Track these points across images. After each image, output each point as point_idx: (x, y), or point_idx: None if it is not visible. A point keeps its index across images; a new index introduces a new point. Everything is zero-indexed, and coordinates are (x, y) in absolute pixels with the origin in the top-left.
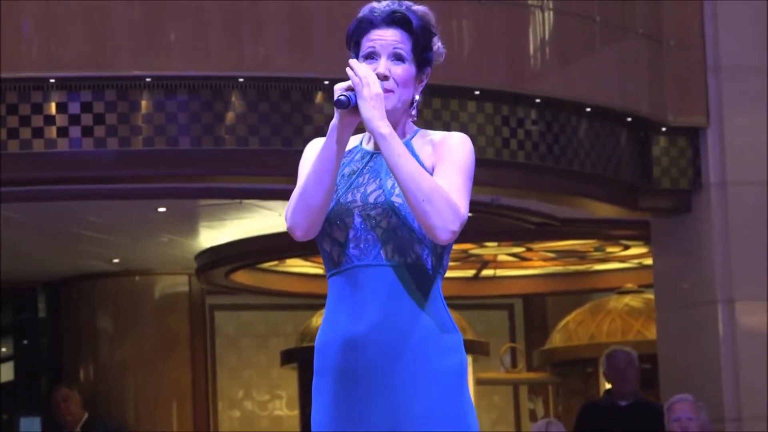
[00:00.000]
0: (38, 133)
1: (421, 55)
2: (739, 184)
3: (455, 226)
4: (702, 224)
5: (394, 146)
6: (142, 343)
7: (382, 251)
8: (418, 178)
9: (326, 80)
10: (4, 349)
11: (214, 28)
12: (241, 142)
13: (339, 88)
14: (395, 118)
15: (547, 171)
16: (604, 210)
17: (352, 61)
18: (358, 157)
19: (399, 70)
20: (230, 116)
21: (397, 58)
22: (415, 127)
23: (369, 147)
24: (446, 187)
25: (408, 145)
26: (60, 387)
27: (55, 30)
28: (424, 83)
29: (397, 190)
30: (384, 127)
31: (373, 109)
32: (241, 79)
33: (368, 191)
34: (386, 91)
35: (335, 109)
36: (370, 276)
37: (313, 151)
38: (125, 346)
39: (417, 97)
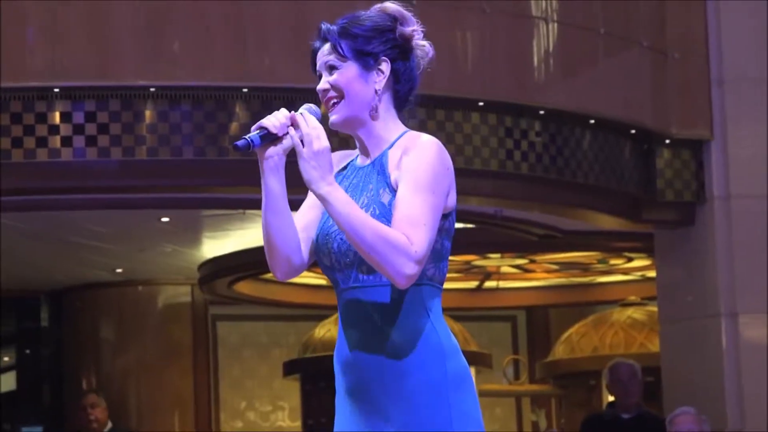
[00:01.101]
0: (42, 142)
1: (356, 54)
2: (743, 197)
3: (409, 269)
4: (705, 237)
5: (334, 204)
6: (145, 353)
7: (358, 273)
8: (360, 230)
9: None
10: (6, 359)
11: (219, 38)
12: (244, 153)
13: (253, 128)
14: (361, 121)
15: (550, 183)
16: (608, 222)
17: (299, 116)
18: (351, 174)
19: (333, 77)
20: (234, 126)
21: (331, 68)
22: (403, 129)
23: (359, 162)
24: (400, 218)
25: (383, 156)
26: (88, 393)
27: (60, 39)
28: (384, 75)
29: (369, 210)
30: (324, 186)
31: (313, 170)
32: (245, 90)
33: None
34: (332, 102)
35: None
36: (352, 298)
37: None
38: (128, 355)
39: (376, 88)
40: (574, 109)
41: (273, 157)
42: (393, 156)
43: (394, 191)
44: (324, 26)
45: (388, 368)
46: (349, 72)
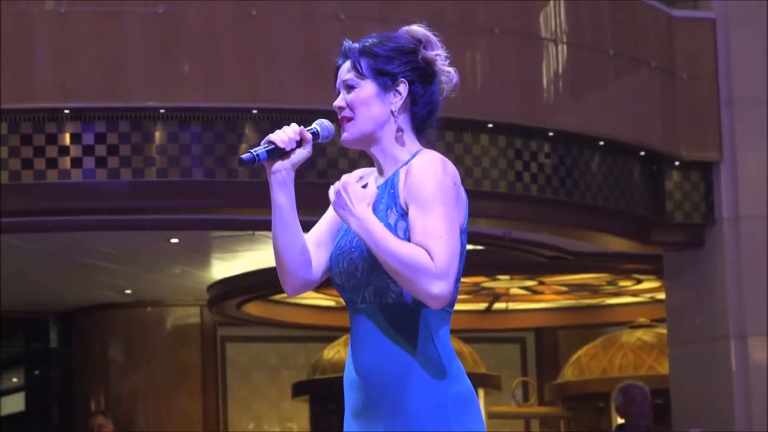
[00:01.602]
0: (52, 163)
1: (375, 73)
2: (752, 218)
3: (439, 290)
4: (715, 259)
5: (364, 233)
6: (154, 374)
7: (365, 293)
8: (384, 257)
9: None
10: (15, 379)
11: (228, 60)
12: (254, 174)
13: (262, 142)
14: (374, 139)
15: (559, 204)
16: (617, 244)
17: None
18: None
19: (351, 95)
20: (244, 148)
21: (349, 87)
22: (418, 148)
23: (377, 181)
24: (417, 240)
25: (395, 175)
26: (96, 414)
27: (70, 61)
28: (402, 97)
29: None
30: (353, 222)
31: (341, 208)
32: (254, 111)
33: (354, 233)
34: (346, 119)
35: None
36: (360, 318)
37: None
38: (137, 376)
39: (392, 108)
40: (583, 131)
41: (281, 171)
42: (403, 175)
43: (401, 211)
44: (346, 44)
45: (390, 389)
46: (365, 91)
